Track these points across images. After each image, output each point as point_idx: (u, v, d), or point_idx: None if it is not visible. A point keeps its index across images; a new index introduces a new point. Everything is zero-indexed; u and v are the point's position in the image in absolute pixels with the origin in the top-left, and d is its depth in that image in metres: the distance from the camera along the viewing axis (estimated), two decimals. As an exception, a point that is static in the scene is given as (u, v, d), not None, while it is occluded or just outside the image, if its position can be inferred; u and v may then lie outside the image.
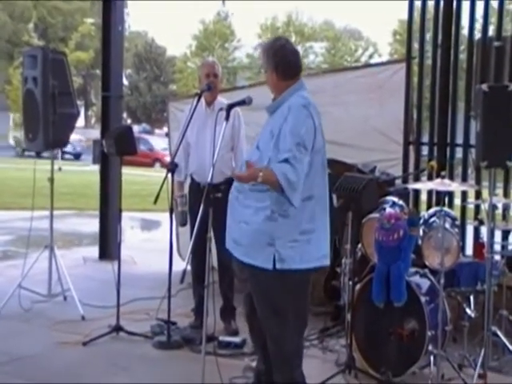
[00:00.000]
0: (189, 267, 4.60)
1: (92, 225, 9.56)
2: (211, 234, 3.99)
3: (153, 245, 9.42)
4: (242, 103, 4.12)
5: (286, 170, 3.47)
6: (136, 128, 37.70)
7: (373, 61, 42.56)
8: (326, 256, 3.77)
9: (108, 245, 8.10)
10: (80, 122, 31.47)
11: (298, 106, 3.63)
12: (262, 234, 3.58)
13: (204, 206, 3.92)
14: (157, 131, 44.97)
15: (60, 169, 16.54)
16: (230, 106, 4.10)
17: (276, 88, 3.78)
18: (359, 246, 5.10)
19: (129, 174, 12.91)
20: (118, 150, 5.38)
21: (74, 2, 45.00)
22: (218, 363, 4.02)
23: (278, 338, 3.72)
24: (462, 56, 6.31)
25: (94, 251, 8.34)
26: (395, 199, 5.15)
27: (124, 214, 5.55)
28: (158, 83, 48.89)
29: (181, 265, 4.37)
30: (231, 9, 48.68)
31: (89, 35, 42.86)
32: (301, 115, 3.60)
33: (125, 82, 40.92)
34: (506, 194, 5.67)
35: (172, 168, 5.17)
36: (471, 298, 4.90)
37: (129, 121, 44.94)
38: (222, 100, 5.33)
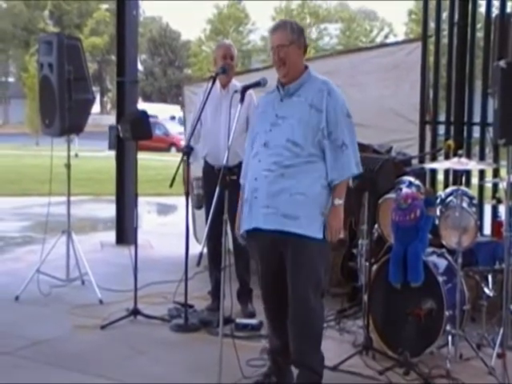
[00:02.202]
0: (205, 250, 4.61)
1: (109, 210, 9.59)
2: (227, 216, 3.98)
3: (169, 229, 9.46)
4: (257, 85, 4.10)
5: (351, 162, 3.83)
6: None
7: (388, 41, 42.20)
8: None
9: (125, 229, 8.13)
10: (95, 107, 31.52)
11: (331, 84, 3.84)
12: (318, 204, 3.73)
13: (220, 188, 3.89)
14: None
15: (77, 155, 16.60)
16: (245, 88, 4.08)
17: (296, 65, 3.85)
18: (376, 226, 5.06)
19: (144, 158, 12.98)
20: (133, 134, 5.38)
21: (89, -12, 45.05)
22: (235, 345, 4.02)
23: (313, 312, 3.78)
24: (479, 34, 6.23)
25: (110, 236, 8.38)
26: (412, 179, 5.11)
27: (140, 199, 5.56)
28: (173, 68, 48.90)
29: (197, 248, 4.39)
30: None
31: (103, 21, 42.95)
32: (339, 91, 3.85)
33: (140, 67, 40.88)
34: (524, 173, 5.60)
35: (187, 151, 5.17)
36: (489, 277, 4.85)
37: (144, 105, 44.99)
38: (236, 83, 5.30)
